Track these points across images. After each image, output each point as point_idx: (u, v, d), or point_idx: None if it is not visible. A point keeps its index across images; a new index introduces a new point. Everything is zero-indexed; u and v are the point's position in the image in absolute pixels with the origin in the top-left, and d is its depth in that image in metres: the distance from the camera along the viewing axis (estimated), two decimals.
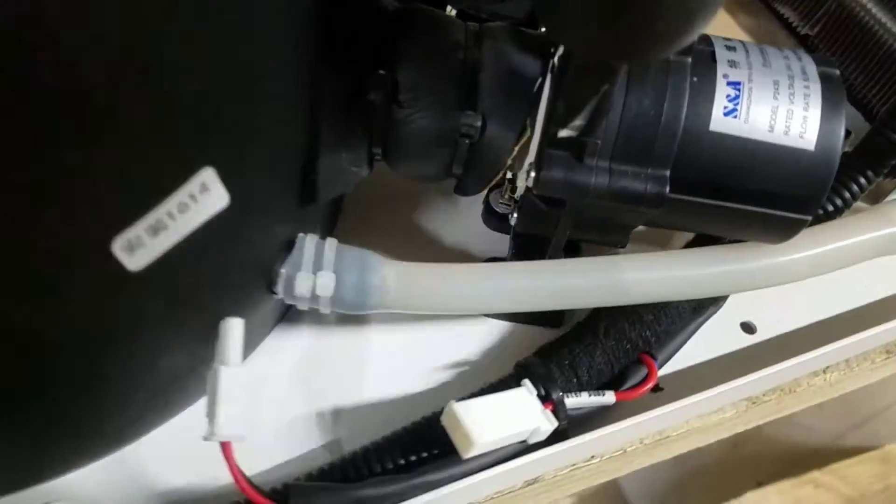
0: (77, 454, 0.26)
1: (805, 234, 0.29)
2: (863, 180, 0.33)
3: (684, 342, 0.32)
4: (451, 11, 0.33)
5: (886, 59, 0.39)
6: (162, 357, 0.24)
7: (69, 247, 0.18)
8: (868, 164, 0.32)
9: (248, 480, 0.24)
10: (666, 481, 1.30)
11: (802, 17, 0.45)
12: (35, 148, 0.15)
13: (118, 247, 0.19)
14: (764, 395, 0.37)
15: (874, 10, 0.40)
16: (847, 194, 0.32)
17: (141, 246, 0.19)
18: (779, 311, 0.37)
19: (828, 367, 0.39)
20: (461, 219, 0.37)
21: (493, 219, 0.35)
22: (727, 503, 0.99)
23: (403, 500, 0.24)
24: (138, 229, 0.19)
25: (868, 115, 0.40)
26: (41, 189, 0.16)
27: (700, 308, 0.32)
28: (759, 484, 1.01)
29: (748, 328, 0.36)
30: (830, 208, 0.32)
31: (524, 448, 0.27)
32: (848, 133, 0.30)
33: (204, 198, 0.20)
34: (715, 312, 0.34)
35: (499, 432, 0.25)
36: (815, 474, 0.99)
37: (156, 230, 0.19)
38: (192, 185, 0.20)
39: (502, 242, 0.35)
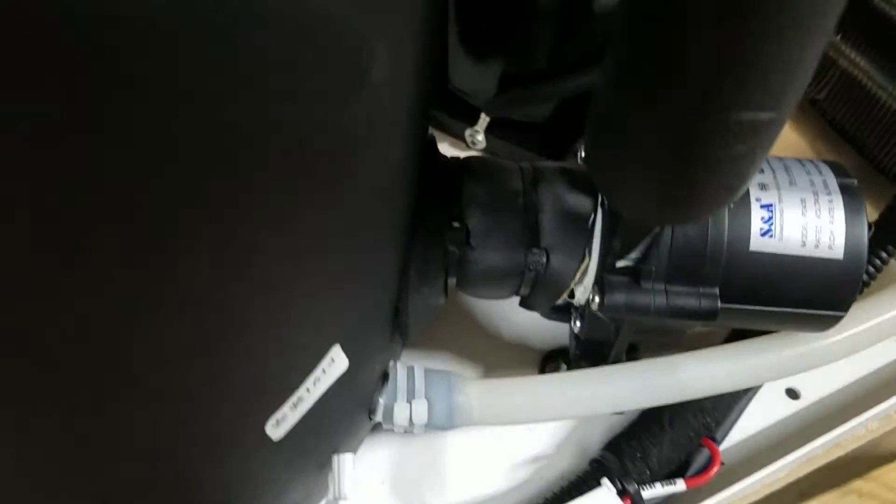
0: None
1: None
2: (884, 254, 0.36)
3: (737, 419, 0.35)
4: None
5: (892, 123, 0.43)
6: (290, 494, 0.28)
7: (235, 429, 0.22)
8: (888, 239, 0.35)
9: None
10: None
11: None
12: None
13: (269, 426, 0.22)
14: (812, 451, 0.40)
15: (875, 75, 0.43)
16: (871, 269, 0.36)
17: (284, 420, 0.23)
18: (819, 375, 0.39)
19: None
20: (516, 311, 0.40)
21: (554, 312, 0.38)
22: None
23: None
24: (285, 409, 0.22)
25: (886, 175, 0.44)
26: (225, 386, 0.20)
27: (752, 389, 0.35)
28: (803, 495, 1.01)
29: (793, 394, 0.39)
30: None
31: None
32: (869, 226, 0.34)
33: (331, 368, 0.24)
34: (761, 387, 0.37)
35: None
36: (858, 483, 1.00)
37: (296, 405, 0.23)
38: (325, 361, 0.23)
39: (557, 329, 0.38)
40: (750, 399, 0.36)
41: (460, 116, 0.45)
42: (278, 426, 0.23)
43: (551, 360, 0.38)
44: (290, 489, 0.28)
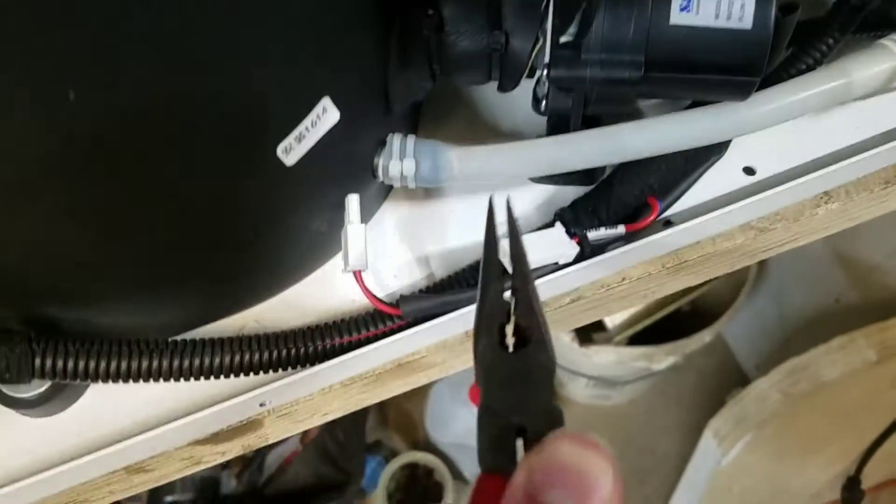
0: (266, 289, 0.41)
1: (770, 90, 0.38)
2: (831, 40, 0.40)
3: (689, 186, 0.42)
4: None
5: None
6: (312, 222, 0.38)
7: (253, 153, 0.31)
8: (834, 28, 0.40)
9: (374, 294, 0.37)
10: (771, 340, 1.38)
11: None
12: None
13: (280, 150, 0.32)
14: (770, 223, 0.46)
15: None
16: (817, 54, 0.40)
17: (292, 149, 0.32)
18: (777, 154, 0.45)
19: (829, 198, 0.47)
20: (515, 109, 0.48)
21: (536, 104, 0.46)
22: (815, 348, 1.06)
23: (471, 303, 0.37)
24: (290, 139, 0.32)
25: None
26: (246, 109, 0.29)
27: (698, 159, 0.42)
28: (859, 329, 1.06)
29: (749, 171, 0.45)
30: (803, 67, 0.41)
31: (558, 267, 0.39)
32: (795, 6, 0.38)
33: (324, 116, 0.33)
34: (717, 160, 0.43)
35: (536, 254, 0.37)
36: None
37: (299, 139, 0.32)
38: (318, 108, 0.32)
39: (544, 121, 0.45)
40: (702, 171, 0.43)
41: None
42: (287, 153, 0.32)
43: None
44: (313, 218, 0.38)
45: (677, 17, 0.34)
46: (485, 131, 0.47)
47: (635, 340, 1.18)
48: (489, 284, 0.24)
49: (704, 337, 1.23)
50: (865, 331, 1.06)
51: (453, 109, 0.48)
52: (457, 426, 1.20)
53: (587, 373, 1.28)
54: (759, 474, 1.12)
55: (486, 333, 0.23)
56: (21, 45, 0.22)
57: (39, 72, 0.23)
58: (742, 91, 0.36)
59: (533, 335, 0.23)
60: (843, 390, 1.02)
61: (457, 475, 1.22)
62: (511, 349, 0.23)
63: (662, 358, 1.25)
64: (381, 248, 0.43)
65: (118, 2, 0.22)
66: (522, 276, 0.24)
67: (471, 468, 1.23)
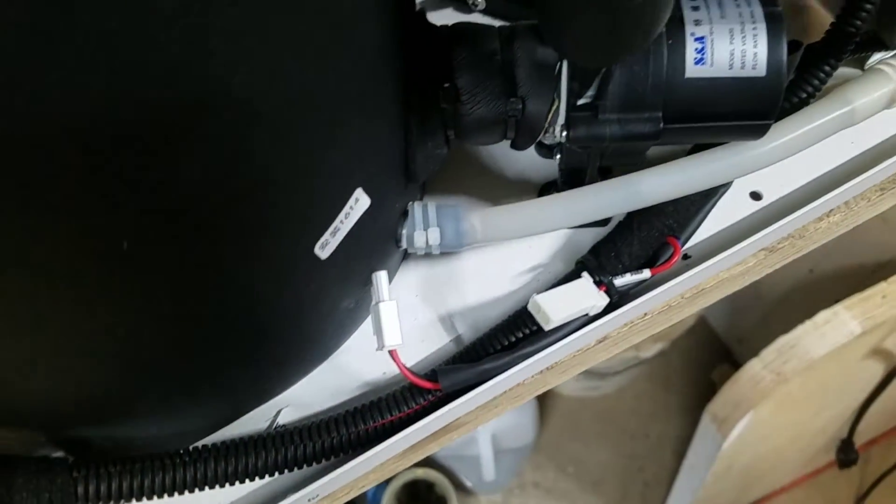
0: (298, 371, 0.40)
1: (778, 125, 0.38)
2: (827, 68, 0.41)
3: (702, 220, 0.43)
4: None
5: None
6: (342, 301, 0.37)
7: (293, 252, 0.31)
8: (830, 55, 0.41)
9: (411, 370, 0.37)
10: (750, 315, 1.41)
11: None
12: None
13: (318, 247, 0.31)
14: (778, 244, 0.47)
15: None
16: (816, 81, 0.41)
17: (328, 244, 0.32)
18: (781, 178, 0.46)
19: (831, 212, 0.48)
20: (520, 155, 0.47)
21: (543, 149, 0.46)
22: (801, 325, 1.09)
23: (510, 367, 0.37)
24: (327, 234, 0.31)
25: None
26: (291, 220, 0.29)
27: (709, 193, 0.42)
28: (837, 302, 1.09)
29: (756, 196, 0.46)
30: (804, 95, 0.41)
31: (589, 319, 0.39)
32: (799, 45, 0.38)
33: (357, 206, 0.32)
34: (725, 191, 0.44)
35: (567, 310, 0.37)
36: (882, 286, 1.06)
37: (335, 232, 0.31)
38: (352, 200, 0.31)
39: (550, 164, 0.44)
40: (714, 203, 0.43)
41: None
42: (323, 248, 0.31)
43: (546, 190, 0.45)
44: (343, 299, 0.37)
45: (692, 71, 0.34)
46: (492, 179, 0.47)
47: None
48: None
49: (688, 320, 1.26)
50: (847, 303, 1.09)
51: (459, 160, 0.47)
52: None
53: None
54: (757, 451, 1.15)
55: None
56: None
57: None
58: (757, 133, 0.36)
59: None
60: (833, 363, 1.06)
61: (458, 486, 1.22)
62: None
63: (650, 346, 1.27)
64: (405, 313, 0.42)
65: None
66: None
67: (471, 477, 1.24)
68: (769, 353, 1.09)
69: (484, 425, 1.19)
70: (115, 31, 0.18)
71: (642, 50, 0.30)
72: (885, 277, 1.08)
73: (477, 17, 0.52)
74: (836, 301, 1.07)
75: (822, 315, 1.07)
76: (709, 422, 1.13)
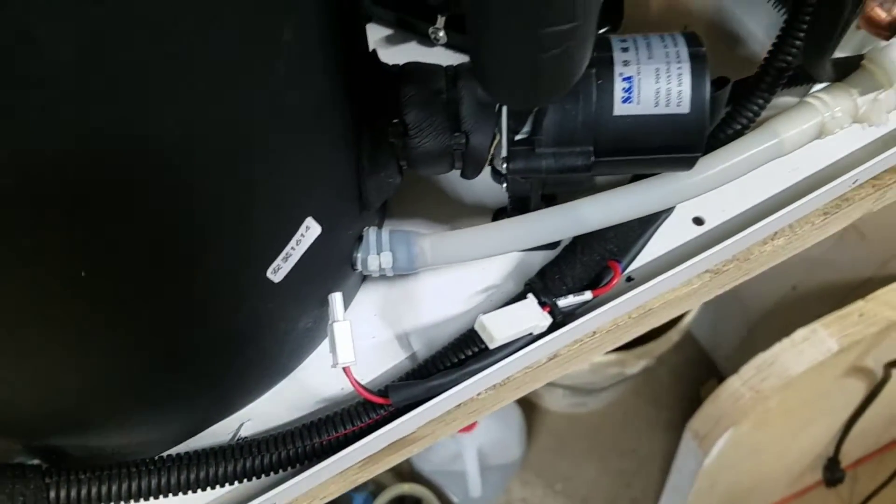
0: (260, 387, 0.43)
1: (710, 156, 0.41)
2: (761, 101, 0.44)
3: (643, 245, 0.45)
4: None
5: None
6: (300, 321, 0.40)
7: (245, 277, 0.33)
8: (763, 88, 0.43)
9: (363, 386, 0.40)
10: (736, 331, 1.43)
11: None
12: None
13: (269, 272, 0.34)
14: (724, 265, 0.49)
15: None
16: (749, 114, 0.44)
17: (280, 269, 0.34)
18: (723, 203, 0.49)
19: (776, 235, 0.51)
20: (476, 182, 0.50)
21: (497, 176, 0.48)
22: (779, 342, 1.11)
23: (457, 384, 0.39)
24: (279, 260, 0.34)
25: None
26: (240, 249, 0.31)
27: (650, 219, 0.45)
28: (818, 317, 1.11)
29: (699, 221, 0.48)
30: (738, 127, 0.44)
31: (534, 338, 0.41)
32: (726, 81, 0.41)
33: (308, 233, 0.35)
34: (667, 217, 0.47)
35: (511, 329, 0.39)
36: (860, 304, 1.08)
37: (286, 258, 0.34)
38: (302, 228, 0.34)
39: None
40: (655, 229, 0.46)
41: (424, 16, 0.54)
42: (276, 273, 0.34)
43: (499, 215, 0.48)
44: (300, 319, 0.40)
45: (620, 108, 0.37)
46: (451, 204, 0.50)
47: None
48: None
49: (672, 336, 1.28)
50: (825, 320, 1.10)
51: (419, 187, 0.50)
52: (440, 453, 1.22)
53: (562, 383, 1.32)
54: (740, 468, 1.16)
55: None
56: None
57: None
58: (686, 164, 0.39)
59: None
60: (811, 380, 1.07)
61: (445, 502, 1.24)
62: None
63: (634, 362, 1.29)
64: (363, 331, 0.45)
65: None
66: None
67: (458, 493, 1.25)
68: (748, 369, 1.11)
69: (470, 441, 1.22)
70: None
71: (567, 92, 0.33)
72: (863, 295, 1.10)
73: (439, 51, 0.55)
74: (819, 317, 1.09)
75: (800, 333, 1.09)
76: (690, 438, 1.14)
